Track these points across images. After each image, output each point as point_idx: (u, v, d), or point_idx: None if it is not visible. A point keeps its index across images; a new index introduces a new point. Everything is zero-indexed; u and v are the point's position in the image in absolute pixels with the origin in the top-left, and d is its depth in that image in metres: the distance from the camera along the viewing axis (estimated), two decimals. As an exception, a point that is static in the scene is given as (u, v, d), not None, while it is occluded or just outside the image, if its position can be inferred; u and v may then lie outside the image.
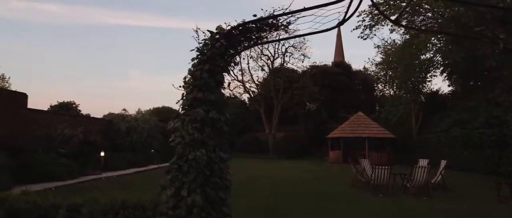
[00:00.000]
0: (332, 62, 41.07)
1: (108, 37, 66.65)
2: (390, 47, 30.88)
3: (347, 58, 45.18)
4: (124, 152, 18.03)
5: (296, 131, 31.13)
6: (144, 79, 71.42)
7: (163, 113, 44.65)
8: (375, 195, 9.72)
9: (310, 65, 33.13)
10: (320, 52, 72.74)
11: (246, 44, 3.59)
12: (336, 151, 24.47)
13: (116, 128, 19.62)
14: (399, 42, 26.58)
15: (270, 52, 30.66)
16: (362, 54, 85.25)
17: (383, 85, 36.94)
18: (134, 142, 19.47)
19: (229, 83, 30.72)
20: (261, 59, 30.82)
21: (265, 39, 3.73)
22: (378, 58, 35.00)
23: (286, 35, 3.98)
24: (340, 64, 36.41)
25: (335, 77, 32.13)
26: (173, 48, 74.35)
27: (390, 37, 32.78)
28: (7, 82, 34.08)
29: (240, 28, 3.29)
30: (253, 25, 3.28)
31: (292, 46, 29.94)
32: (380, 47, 32.55)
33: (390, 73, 34.42)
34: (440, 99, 28.17)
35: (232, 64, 3.63)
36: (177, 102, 3.33)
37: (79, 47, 63.13)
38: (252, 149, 29.74)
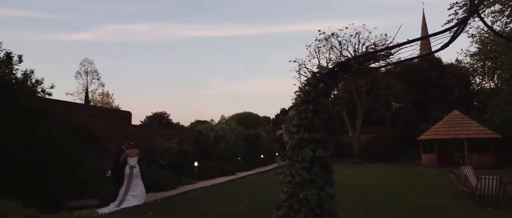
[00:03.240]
0: (418, 55, 38.24)
1: (190, 48, 71.39)
2: (487, 35, 27.73)
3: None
4: (213, 160, 19.09)
5: (382, 132, 29.65)
6: (225, 85, 74.81)
7: (245, 118, 46.39)
8: (482, 207, 8.79)
9: (394, 63, 31.25)
10: (400, 39, 68.24)
11: (345, 76, 3.62)
12: (430, 154, 22.70)
13: (205, 137, 20.92)
14: (498, 29, 23.63)
15: (350, 53, 29.69)
16: (453, 45, 77.56)
17: (481, 77, 33.28)
18: (222, 150, 20.53)
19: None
20: (341, 61, 30.00)
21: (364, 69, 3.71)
22: (473, 48, 31.65)
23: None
24: (428, 58, 33.69)
25: (423, 74, 29.81)
26: (250, 54, 76.58)
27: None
28: (111, 98, 38.61)
29: (341, 65, 3.33)
30: (354, 60, 3.30)
31: (373, 44, 28.49)
32: (476, 36, 29.39)
33: (489, 64, 30.83)
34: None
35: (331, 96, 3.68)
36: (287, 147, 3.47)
37: (165, 61, 68.71)
38: (335, 152, 29.14)
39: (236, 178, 17.02)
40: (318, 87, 3.34)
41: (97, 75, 35.51)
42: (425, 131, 23.49)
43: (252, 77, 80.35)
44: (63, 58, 58.82)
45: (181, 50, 73.99)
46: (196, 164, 16.31)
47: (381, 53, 3.37)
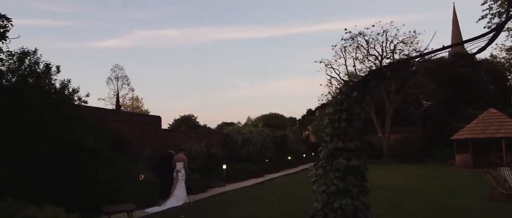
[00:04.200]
0: (448, 52, 37.01)
1: (215, 51, 72.25)
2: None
3: (468, 47, 39.89)
4: (241, 163, 19.20)
5: (412, 132, 28.84)
6: (251, 87, 75.18)
7: (271, 119, 46.40)
8: (524, 210, 8.40)
9: (424, 60, 30.26)
10: (433, 44, 66.27)
11: (377, 84, 3.59)
12: (464, 154, 21.85)
13: (233, 140, 21.07)
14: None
15: (378, 52, 29.13)
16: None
17: (518, 73, 31.77)
18: (250, 152, 20.61)
19: (336, 88, 30.20)
20: (368, 60, 29.48)
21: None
22: (509, 43, 30.24)
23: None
24: (460, 54, 32.47)
25: (455, 71, 28.78)
26: (275, 55, 76.58)
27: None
28: (140, 102, 39.65)
29: (374, 73, 3.31)
30: (387, 68, 3.27)
31: (401, 42, 27.88)
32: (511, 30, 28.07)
33: (527, 58, 29.40)
34: None
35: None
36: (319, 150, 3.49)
37: (191, 64, 69.86)
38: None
39: (264, 181, 17.05)
40: (351, 96, 3.33)
41: (127, 80, 36.47)
42: (459, 130, 22.66)
43: (278, 78, 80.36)
44: (95, 64, 61.09)
45: (206, 53, 75.08)
46: (224, 166, 16.47)
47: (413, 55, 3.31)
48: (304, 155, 32.79)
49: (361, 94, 3.36)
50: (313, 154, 35.96)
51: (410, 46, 27.99)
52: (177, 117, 33.29)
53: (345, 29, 28.81)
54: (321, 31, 78.65)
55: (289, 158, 25.94)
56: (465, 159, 21.55)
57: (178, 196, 10.71)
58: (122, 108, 34.57)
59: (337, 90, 3.50)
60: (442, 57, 30.96)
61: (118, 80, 35.95)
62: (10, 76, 8.39)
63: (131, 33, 65.28)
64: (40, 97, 7.91)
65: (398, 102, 28.79)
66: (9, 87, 8.04)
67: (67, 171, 7.38)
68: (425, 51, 3.12)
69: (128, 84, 36.58)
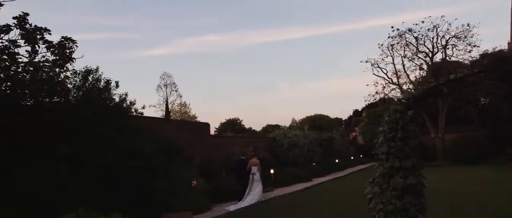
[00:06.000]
0: (508, 43, 34.31)
1: (258, 54, 72.96)
2: None
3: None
4: (288, 167, 19.24)
5: (469, 131, 27.10)
6: (295, 88, 74.95)
7: (316, 120, 45.91)
8: None
9: (480, 54, 28.13)
10: (489, 33, 61.85)
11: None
12: (530, 155, 20.21)
13: (279, 144, 21.21)
14: None
15: (428, 48, 27.72)
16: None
17: None
18: (296, 156, 20.62)
19: (384, 87, 29.17)
20: (418, 57, 28.15)
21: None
22: None
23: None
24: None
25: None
26: (319, 55, 75.75)
27: None
28: (188, 108, 41.03)
29: (430, 91, 3.28)
30: (444, 85, 3.21)
31: (454, 37, 26.31)
32: None
33: None
34: None
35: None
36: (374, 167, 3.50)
37: (235, 67, 71.14)
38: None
39: (312, 185, 16.91)
40: (406, 115, 3.32)
41: (175, 87, 37.86)
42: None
43: (322, 79, 79.45)
44: (145, 72, 64.23)
45: (250, 56, 76.10)
46: (272, 171, 16.56)
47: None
48: (352, 158, 32.09)
49: (416, 112, 3.32)
50: (361, 156, 35.05)
51: (463, 41, 26.31)
52: (223, 121, 33.95)
53: (392, 27, 27.82)
54: (366, 28, 76.48)
55: (337, 160, 25.53)
56: (531, 160, 19.92)
57: (254, 195, 12.17)
58: (171, 114, 35.95)
59: (391, 112, 3.46)
60: (501, 51, 28.62)
61: (166, 87, 37.50)
62: (76, 93, 9.18)
63: (177, 41, 67.95)
64: (103, 111, 8.57)
65: (452, 100, 27.14)
66: (75, 102, 8.78)
67: (129, 180, 7.91)
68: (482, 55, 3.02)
69: (176, 91, 37.99)
